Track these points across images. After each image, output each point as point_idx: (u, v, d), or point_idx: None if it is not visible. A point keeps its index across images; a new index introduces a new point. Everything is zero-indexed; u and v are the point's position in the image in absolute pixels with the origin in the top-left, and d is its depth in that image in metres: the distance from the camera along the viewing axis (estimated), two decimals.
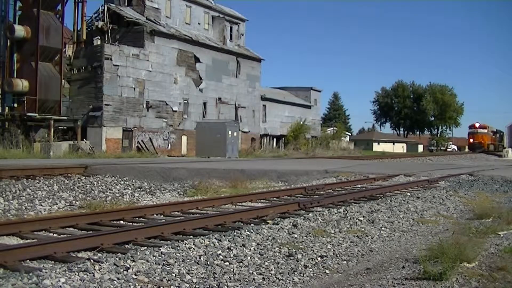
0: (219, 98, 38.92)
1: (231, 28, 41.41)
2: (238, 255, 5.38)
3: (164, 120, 33.98)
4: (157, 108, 33.39)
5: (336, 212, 8.35)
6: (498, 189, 13.18)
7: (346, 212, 8.37)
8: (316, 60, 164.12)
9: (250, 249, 5.66)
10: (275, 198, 10.79)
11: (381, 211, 8.71)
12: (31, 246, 5.28)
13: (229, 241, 5.87)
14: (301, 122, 49.05)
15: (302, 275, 5.01)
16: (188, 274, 4.66)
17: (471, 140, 69.16)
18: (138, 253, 5.04)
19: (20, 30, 27.67)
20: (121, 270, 4.50)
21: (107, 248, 5.59)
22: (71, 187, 12.37)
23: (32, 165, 15.41)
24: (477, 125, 70.11)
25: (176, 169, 15.35)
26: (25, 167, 14.43)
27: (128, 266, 4.63)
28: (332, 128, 64.47)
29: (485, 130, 69.61)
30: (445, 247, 5.17)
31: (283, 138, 47.82)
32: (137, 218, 8.00)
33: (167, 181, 14.15)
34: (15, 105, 28.18)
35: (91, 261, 4.63)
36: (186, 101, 35.76)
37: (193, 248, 5.48)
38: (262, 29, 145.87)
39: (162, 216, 8.38)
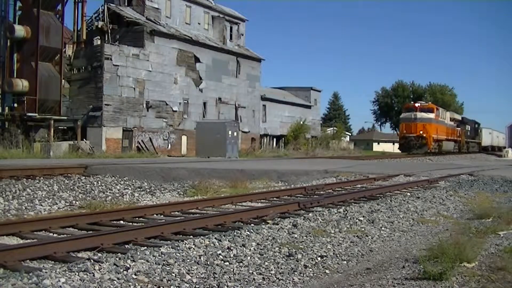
0: (219, 98, 38.94)
1: (231, 28, 41.43)
2: (238, 255, 5.38)
3: (164, 120, 33.99)
4: (157, 108, 33.40)
5: (336, 212, 8.35)
6: (498, 189, 13.17)
7: (346, 212, 8.37)
8: (316, 60, 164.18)
9: (250, 249, 5.66)
10: (275, 198, 10.78)
11: (381, 211, 8.70)
12: (31, 246, 5.28)
13: (229, 241, 5.87)
14: (301, 122, 49.05)
15: (302, 275, 5.01)
16: (188, 274, 4.66)
17: (404, 132, 41.58)
18: (138, 253, 5.04)
19: (20, 30, 27.68)
20: (121, 270, 4.50)
21: (107, 248, 5.59)
22: (71, 187, 12.37)
23: (32, 165, 15.41)
24: (417, 105, 43.00)
25: (176, 169, 15.34)
26: (25, 167, 14.42)
27: (128, 266, 4.63)
28: (332, 128, 64.47)
29: (431, 115, 41.49)
30: (445, 247, 5.17)
31: (283, 138, 47.82)
32: (137, 218, 8.00)
33: (167, 181, 14.14)
34: (15, 105, 28.20)
35: (91, 261, 4.63)
36: (186, 101, 35.77)
37: (193, 248, 5.48)
38: (262, 29, 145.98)
39: (162, 216, 8.37)
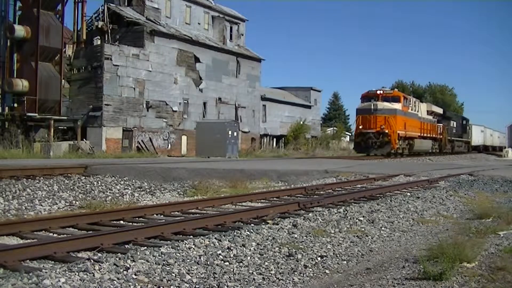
0: (219, 98, 38.94)
1: (231, 28, 41.43)
2: (238, 255, 5.38)
3: (164, 120, 34.00)
4: (157, 108, 33.41)
5: (336, 212, 8.35)
6: (498, 189, 13.17)
7: (346, 212, 8.37)
8: (316, 60, 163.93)
9: (250, 249, 5.66)
10: (275, 198, 10.78)
11: (381, 211, 8.71)
12: (31, 246, 5.28)
13: (229, 241, 5.87)
14: (301, 122, 49.05)
15: (302, 275, 5.01)
16: (188, 274, 4.67)
17: (361, 127, 33.20)
18: (138, 253, 5.04)
19: (20, 30, 27.69)
20: (121, 270, 4.51)
21: (107, 248, 5.59)
22: (71, 187, 12.37)
23: (32, 165, 15.41)
24: (378, 92, 33.59)
25: (176, 169, 15.34)
26: (25, 167, 14.43)
27: (128, 266, 4.63)
28: (332, 128, 64.44)
29: (396, 106, 33.05)
30: (444, 247, 5.18)
31: (283, 138, 47.82)
32: (137, 218, 8.00)
33: (167, 181, 14.14)
34: (15, 105, 28.20)
35: (91, 261, 4.63)
36: (186, 101, 35.78)
37: (193, 248, 5.48)
38: (262, 29, 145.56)
39: (162, 216, 8.37)
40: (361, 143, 33.26)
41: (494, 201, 10.73)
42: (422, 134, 38.14)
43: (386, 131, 32.26)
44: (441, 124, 44.06)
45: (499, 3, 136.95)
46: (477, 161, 35.37)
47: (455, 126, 49.04)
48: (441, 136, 43.53)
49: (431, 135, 40.81)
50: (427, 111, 40.81)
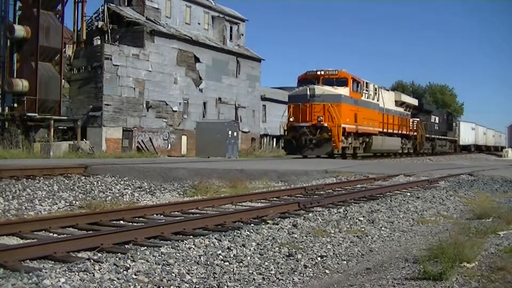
0: (219, 98, 38.95)
1: (231, 28, 41.44)
2: (238, 255, 5.38)
3: (164, 120, 34.01)
4: (157, 108, 33.42)
5: (336, 212, 8.35)
6: (498, 189, 13.17)
7: (346, 212, 8.37)
8: (316, 60, 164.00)
9: (250, 249, 5.66)
10: (275, 198, 10.78)
11: (381, 211, 8.70)
12: (31, 246, 5.28)
13: (229, 241, 5.87)
14: None
15: (302, 275, 5.01)
16: (188, 274, 4.66)
17: (292, 120, 25.53)
18: (138, 253, 5.04)
19: (20, 30, 27.72)
20: (121, 270, 4.50)
21: (107, 248, 5.59)
22: (71, 187, 12.37)
23: (32, 165, 15.41)
24: (319, 73, 25.73)
25: (176, 169, 15.34)
26: (25, 167, 14.42)
27: (128, 266, 4.63)
28: None
29: (342, 90, 25.16)
30: (444, 247, 5.17)
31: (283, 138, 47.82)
32: (137, 218, 8.00)
33: (167, 181, 14.14)
34: (15, 105, 28.24)
35: (91, 261, 4.63)
36: (186, 101, 35.79)
37: (193, 248, 5.48)
38: (262, 29, 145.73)
39: (162, 216, 8.37)
40: (292, 141, 25.53)
41: (494, 201, 10.72)
42: (385, 130, 30.43)
43: (326, 124, 24.38)
44: (417, 119, 36.77)
45: (500, 3, 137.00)
46: (477, 161, 35.38)
47: (437, 121, 41.69)
48: (415, 133, 36.15)
49: (401, 132, 33.25)
50: (396, 101, 33.22)
